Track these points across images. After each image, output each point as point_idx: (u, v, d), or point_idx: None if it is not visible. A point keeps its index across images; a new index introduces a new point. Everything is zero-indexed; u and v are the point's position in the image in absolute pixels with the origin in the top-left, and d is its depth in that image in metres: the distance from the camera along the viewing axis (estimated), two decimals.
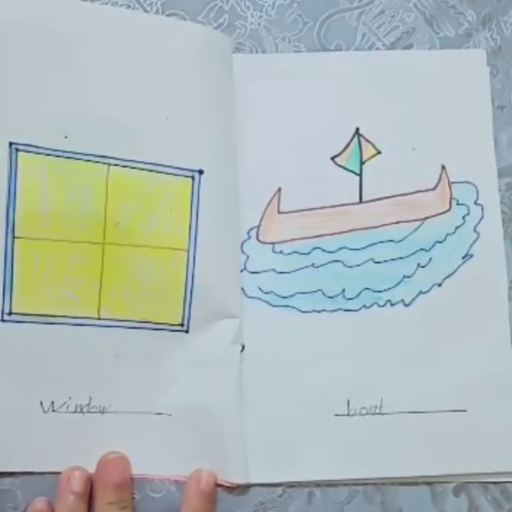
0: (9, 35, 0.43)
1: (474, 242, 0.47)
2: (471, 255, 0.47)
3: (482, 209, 0.47)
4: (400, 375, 0.45)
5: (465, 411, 0.45)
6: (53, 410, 0.43)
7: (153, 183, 0.44)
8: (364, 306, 0.46)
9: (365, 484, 0.44)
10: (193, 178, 0.45)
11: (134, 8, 0.48)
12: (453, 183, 0.48)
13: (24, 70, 0.43)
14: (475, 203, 0.47)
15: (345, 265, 0.46)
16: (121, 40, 0.45)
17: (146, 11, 0.48)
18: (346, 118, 0.48)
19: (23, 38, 0.43)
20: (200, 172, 0.45)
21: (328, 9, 0.49)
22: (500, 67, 0.49)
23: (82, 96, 0.44)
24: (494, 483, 0.45)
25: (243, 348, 0.45)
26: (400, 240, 0.47)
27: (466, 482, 0.44)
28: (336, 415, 0.45)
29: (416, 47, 0.49)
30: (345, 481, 0.44)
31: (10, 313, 0.43)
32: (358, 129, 0.48)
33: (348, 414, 0.45)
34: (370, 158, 0.48)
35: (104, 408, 0.43)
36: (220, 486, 0.43)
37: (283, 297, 0.46)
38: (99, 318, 0.44)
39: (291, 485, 0.44)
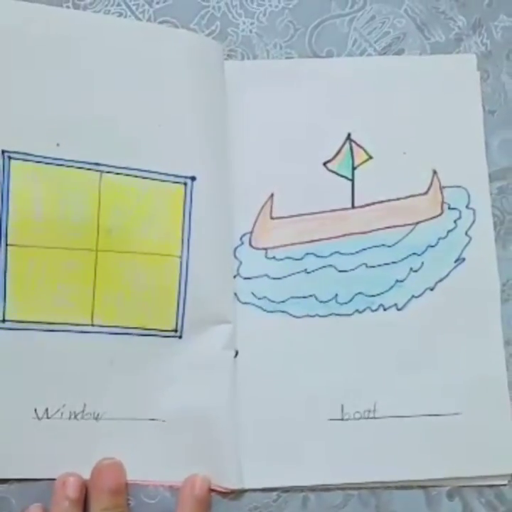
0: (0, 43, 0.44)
1: (466, 246, 0.47)
2: (463, 259, 0.47)
3: (474, 213, 0.48)
4: (394, 379, 0.45)
5: (459, 414, 0.45)
6: (47, 417, 0.43)
7: (146, 189, 0.45)
8: (357, 310, 0.46)
9: (360, 488, 0.44)
10: (185, 184, 0.45)
11: (125, 16, 0.48)
12: (444, 187, 0.48)
13: (16, 78, 0.44)
14: (466, 207, 0.48)
15: (337, 270, 0.46)
16: (113, 48, 0.45)
17: (139, 19, 0.48)
18: (338, 123, 0.48)
19: (14, 47, 0.44)
20: (193, 178, 0.45)
21: (320, 16, 0.49)
22: (491, 72, 0.49)
23: (74, 104, 0.44)
24: (488, 486, 0.45)
25: (237, 353, 0.45)
26: (393, 245, 0.47)
27: (460, 486, 0.45)
28: (330, 420, 0.45)
29: (407, 52, 0.49)
30: (339, 485, 0.44)
31: (4, 321, 0.43)
32: (349, 135, 0.48)
33: (342, 419, 0.45)
34: (361, 164, 0.48)
35: (98, 414, 0.43)
36: (215, 491, 0.43)
37: (276, 302, 0.46)
38: (92, 325, 0.44)
39: (286, 490, 0.44)
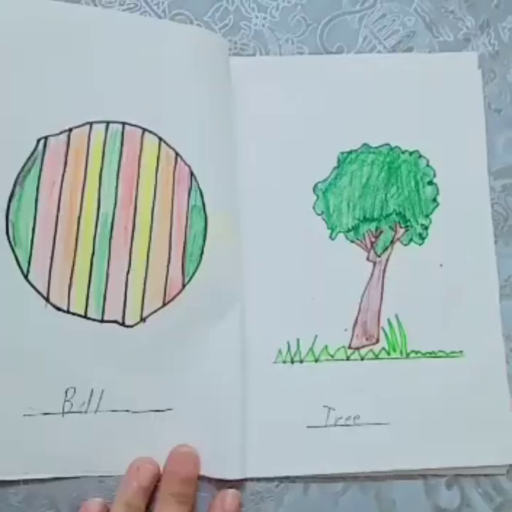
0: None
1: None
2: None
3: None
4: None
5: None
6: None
7: None
8: None
9: (360, 477, 0.45)
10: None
11: (140, 8, 0.49)
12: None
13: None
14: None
15: None
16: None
17: (153, 11, 0.49)
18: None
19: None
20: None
21: (331, 12, 0.50)
22: (498, 72, 0.50)
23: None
24: (486, 477, 0.45)
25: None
26: None
27: (458, 475, 0.45)
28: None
29: (416, 50, 0.50)
30: (340, 474, 0.45)
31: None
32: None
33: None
34: None
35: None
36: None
37: None
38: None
39: (287, 477, 0.45)
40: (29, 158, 0.44)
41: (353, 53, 0.50)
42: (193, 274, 0.45)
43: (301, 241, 0.47)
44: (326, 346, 0.46)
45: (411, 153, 0.49)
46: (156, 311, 0.44)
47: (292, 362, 0.46)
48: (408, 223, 0.48)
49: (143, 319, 0.44)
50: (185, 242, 0.45)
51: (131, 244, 0.45)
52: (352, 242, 0.47)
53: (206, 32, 0.48)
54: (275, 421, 0.45)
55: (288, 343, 0.46)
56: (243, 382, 0.45)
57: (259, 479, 0.44)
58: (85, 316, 0.44)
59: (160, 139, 0.45)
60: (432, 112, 0.49)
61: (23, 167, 0.44)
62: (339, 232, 0.48)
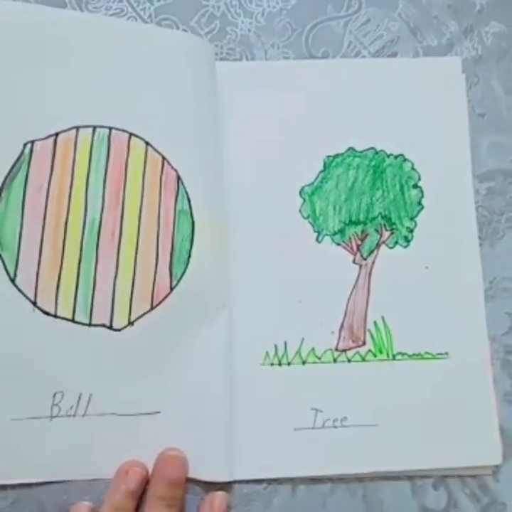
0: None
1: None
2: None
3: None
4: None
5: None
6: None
7: None
8: None
9: (348, 478, 0.45)
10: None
11: (127, 13, 0.49)
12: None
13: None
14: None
15: None
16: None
17: (140, 16, 0.49)
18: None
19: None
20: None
21: (316, 17, 0.51)
22: (481, 76, 0.51)
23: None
24: (472, 478, 0.46)
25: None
26: None
27: (445, 476, 0.45)
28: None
29: (400, 55, 0.51)
30: (328, 475, 0.45)
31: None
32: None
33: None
34: None
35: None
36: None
37: None
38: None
39: (275, 478, 0.45)
40: (15, 162, 0.44)
41: (338, 58, 0.50)
42: (181, 277, 0.45)
43: (287, 244, 0.48)
44: (313, 349, 0.46)
45: (396, 157, 0.49)
46: (143, 314, 0.44)
47: (280, 364, 0.46)
48: (393, 226, 0.48)
49: (131, 323, 0.44)
50: (172, 246, 0.45)
51: (118, 248, 0.45)
52: (338, 245, 0.48)
53: (192, 37, 0.49)
54: (263, 423, 0.45)
55: (275, 345, 0.46)
56: (231, 384, 0.45)
57: (247, 481, 0.45)
58: (73, 320, 0.44)
59: (147, 143, 0.46)
60: (416, 116, 0.50)
61: (10, 171, 0.44)
62: (325, 235, 0.48)
